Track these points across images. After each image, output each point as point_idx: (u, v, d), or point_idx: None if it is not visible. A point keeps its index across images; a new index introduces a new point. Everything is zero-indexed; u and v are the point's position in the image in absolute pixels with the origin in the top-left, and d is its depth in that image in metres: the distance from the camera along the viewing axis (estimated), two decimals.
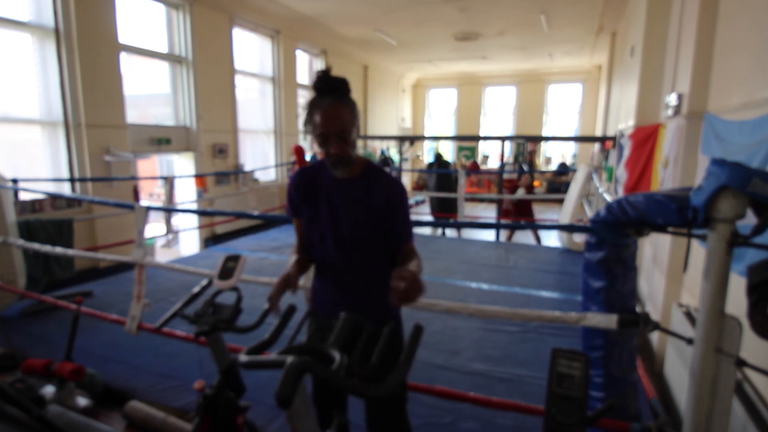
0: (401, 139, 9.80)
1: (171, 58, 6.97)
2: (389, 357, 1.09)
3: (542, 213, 10.65)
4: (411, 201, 13.12)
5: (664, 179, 3.36)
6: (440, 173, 8.48)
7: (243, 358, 1.07)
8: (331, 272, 1.54)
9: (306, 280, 2.45)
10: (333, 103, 1.34)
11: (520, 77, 14.84)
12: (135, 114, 6.44)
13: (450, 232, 8.36)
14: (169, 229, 6.00)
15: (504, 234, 7.55)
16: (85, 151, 5.39)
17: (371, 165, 1.52)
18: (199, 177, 7.14)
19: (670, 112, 3.34)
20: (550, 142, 15.29)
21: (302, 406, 1.02)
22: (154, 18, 6.78)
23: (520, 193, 7.29)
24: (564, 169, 13.18)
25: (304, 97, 10.42)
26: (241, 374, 1.64)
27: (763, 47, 2.17)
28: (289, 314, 1.33)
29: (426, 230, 8.73)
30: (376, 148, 13.41)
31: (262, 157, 9.13)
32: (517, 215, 7.36)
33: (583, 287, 2.02)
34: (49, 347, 2.97)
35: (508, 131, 15.28)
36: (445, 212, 8.06)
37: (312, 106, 1.38)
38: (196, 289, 1.70)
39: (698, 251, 2.24)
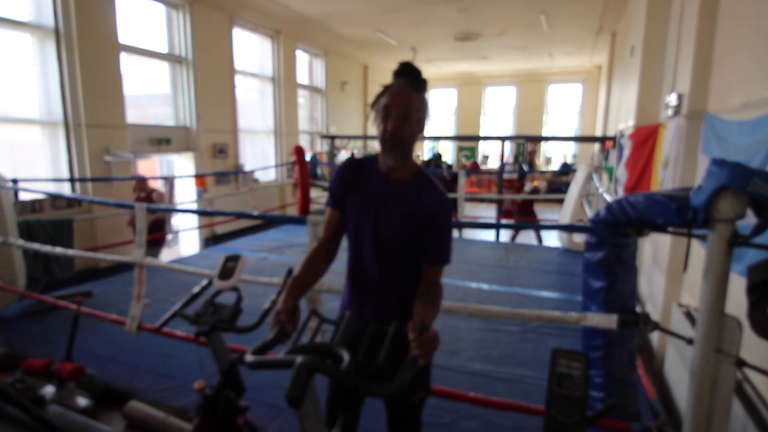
0: None
1: (171, 58, 6.97)
2: (399, 356, 1.09)
3: (542, 213, 10.65)
4: None
5: (664, 179, 3.36)
6: (434, 173, 8.52)
7: (249, 358, 1.07)
8: (362, 272, 1.47)
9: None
10: (406, 85, 1.34)
11: (520, 77, 14.85)
12: (135, 114, 6.44)
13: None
14: (169, 229, 6.00)
15: (508, 234, 7.56)
16: (85, 151, 5.39)
17: (423, 172, 1.45)
18: (199, 177, 7.15)
19: (670, 112, 3.34)
20: (550, 142, 15.29)
21: (312, 405, 1.02)
22: (154, 18, 6.78)
23: (528, 188, 7.32)
24: (566, 169, 13.18)
25: (304, 97, 10.43)
26: (241, 374, 1.64)
27: (762, 47, 2.17)
28: (291, 314, 1.33)
29: None
30: (376, 148, 13.40)
31: (262, 157, 9.13)
32: (520, 215, 7.38)
33: (583, 287, 2.02)
34: (49, 347, 2.96)
35: (508, 131, 15.28)
36: None
37: (385, 88, 1.36)
38: (196, 289, 1.70)
39: (698, 251, 2.24)
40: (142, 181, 5.25)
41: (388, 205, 1.40)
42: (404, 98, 1.31)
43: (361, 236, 1.43)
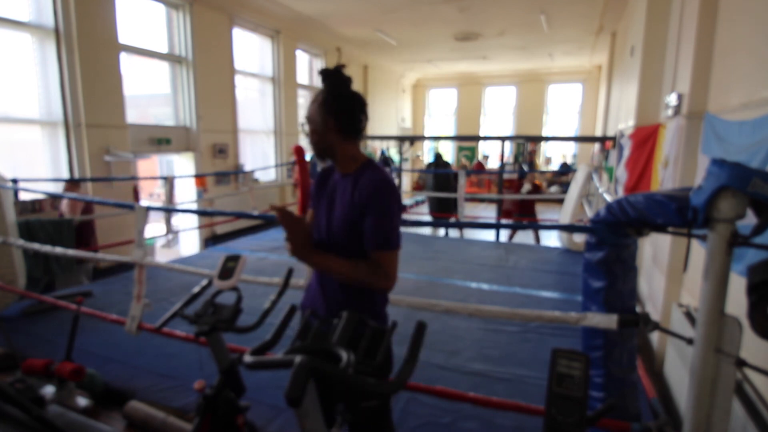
0: (401, 139, 9.80)
1: (171, 58, 6.97)
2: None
3: (542, 213, 10.65)
4: (411, 201, 13.12)
5: (664, 179, 3.36)
6: (437, 173, 8.50)
7: (248, 358, 1.07)
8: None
9: (306, 279, 2.45)
10: (315, 94, 1.48)
11: (520, 77, 14.85)
12: (135, 114, 6.44)
13: (452, 232, 8.37)
14: (169, 229, 6.00)
15: (506, 233, 7.57)
16: (85, 151, 5.39)
17: (367, 163, 1.49)
18: (199, 177, 7.14)
19: (670, 112, 3.34)
20: (550, 142, 15.30)
21: (311, 405, 1.02)
22: (154, 18, 6.79)
23: (525, 189, 7.33)
24: (565, 169, 13.19)
25: (304, 97, 10.44)
26: (241, 374, 1.64)
27: (763, 47, 2.17)
28: (291, 315, 1.33)
29: (426, 230, 8.74)
30: (377, 148, 13.42)
31: (262, 157, 9.13)
32: (520, 215, 7.39)
33: (583, 287, 2.02)
34: (49, 347, 2.96)
35: (508, 131, 15.28)
36: (443, 212, 8.08)
37: None
38: (196, 289, 1.70)
39: (698, 251, 2.24)
40: (72, 185, 4.70)
41: (335, 201, 1.49)
42: (308, 110, 1.48)
43: (318, 233, 1.53)
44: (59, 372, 2.28)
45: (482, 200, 12.81)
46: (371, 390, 0.98)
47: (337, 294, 1.50)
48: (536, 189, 7.65)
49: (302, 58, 10.25)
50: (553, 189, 11.79)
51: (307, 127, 1.51)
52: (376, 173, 1.43)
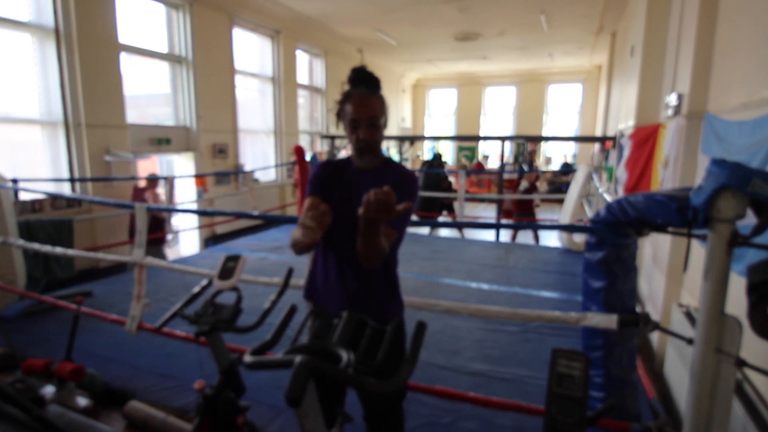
0: (401, 139, 9.80)
1: (171, 58, 6.97)
2: (392, 355, 1.10)
3: (542, 213, 10.65)
4: None
5: (664, 179, 3.36)
6: (428, 173, 8.50)
7: (248, 358, 1.07)
8: (338, 260, 1.53)
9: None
10: (365, 92, 1.45)
11: (520, 77, 14.84)
12: (135, 114, 6.44)
13: (452, 232, 8.37)
14: (169, 229, 6.00)
15: (508, 234, 7.56)
16: (85, 151, 5.39)
17: (388, 159, 1.60)
18: (199, 177, 7.14)
19: (670, 112, 3.34)
20: (550, 142, 15.29)
21: (311, 405, 1.02)
22: (154, 18, 6.79)
23: (522, 187, 7.33)
24: (566, 169, 13.20)
25: (304, 97, 10.44)
26: (241, 374, 1.64)
27: (763, 47, 2.17)
28: (291, 314, 1.33)
29: (424, 229, 8.74)
30: None
31: (262, 157, 9.13)
32: (519, 214, 7.38)
33: (583, 287, 2.02)
34: (49, 347, 2.96)
35: (508, 131, 15.28)
36: (429, 211, 8.06)
37: (345, 96, 1.47)
38: (196, 289, 1.70)
39: (698, 251, 2.24)
40: (151, 182, 5.73)
41: (365, 192, 1.44)
42: (369, 107, 1.43)
43: (344, 227, 1.44)
44: (59, 372, 2.28)
45: (482, 200, 12.80)
46: (371, 390, 0.98)
47: (373, 286, 1.53)
48: (533, 187, 7.63)
49: (302, 58, 10.25)
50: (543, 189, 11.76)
51: (365, 123, 1.44)
52: (403, 167, 1.59)
